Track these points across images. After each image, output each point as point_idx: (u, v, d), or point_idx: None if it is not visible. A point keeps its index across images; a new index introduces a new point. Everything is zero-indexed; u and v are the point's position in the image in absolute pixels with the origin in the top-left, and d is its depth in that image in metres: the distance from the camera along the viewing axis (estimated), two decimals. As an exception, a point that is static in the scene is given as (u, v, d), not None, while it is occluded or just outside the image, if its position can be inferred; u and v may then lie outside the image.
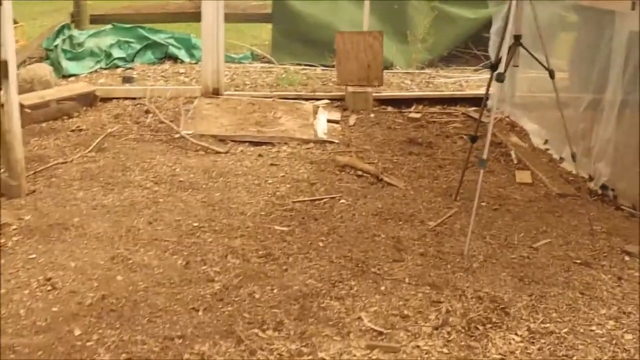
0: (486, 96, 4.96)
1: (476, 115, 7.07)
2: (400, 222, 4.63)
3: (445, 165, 5.79)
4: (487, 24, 8.57)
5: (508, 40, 4.34)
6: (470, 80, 8.56)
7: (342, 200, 4.95)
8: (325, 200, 4.95)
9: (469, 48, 9.40)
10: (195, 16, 7.85)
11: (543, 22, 6.23)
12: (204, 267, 3.97)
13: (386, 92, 7.58)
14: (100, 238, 4.27)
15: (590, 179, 5.49)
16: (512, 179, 5.58)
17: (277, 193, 5.04)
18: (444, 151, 6.13)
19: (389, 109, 7.29)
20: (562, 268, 4.14)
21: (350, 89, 7.27)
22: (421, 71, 8.80)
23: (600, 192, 5.35)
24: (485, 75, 8.62)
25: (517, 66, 4.55)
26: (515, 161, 5.97)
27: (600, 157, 5.44)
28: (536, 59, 4.48)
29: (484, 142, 4.40)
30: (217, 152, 5.79)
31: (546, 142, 6.38)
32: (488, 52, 8.12)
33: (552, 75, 4.44)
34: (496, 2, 7.65)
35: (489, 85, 4.77)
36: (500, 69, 4.41)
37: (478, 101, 7.47)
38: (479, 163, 4.33)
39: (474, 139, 4.97)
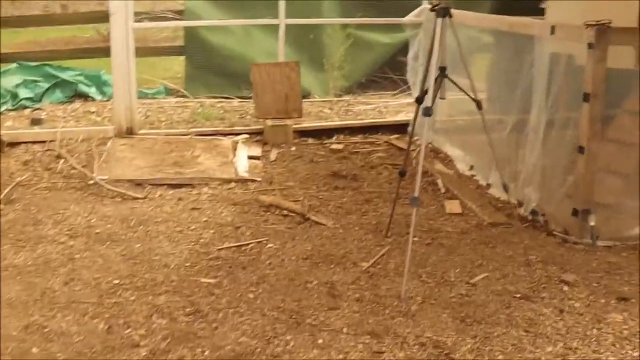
0: (412, 129, 4.82)
1: (399, 144, 7.00)
2: (332, 265, 4.44)
3: (372, 199, 5.64)
4: (403, 48, 8.53)
5: (433, 72, 4.22)
6: (389, 106, 8.49)
7: (269, 245, 4.73)
8: (251, 245, 4.72)
9: (386, 73, 9.33)
10: (104, 51, 7.53)
11: (452, 40, 6.24)
12: (127, 331, 3.68)
13: (306, 123, 7.41)
14: (13, 304, 3.93)
15: (520, 204, 5.42)
16: (442, 209, 5.48)
17: (201, 240, 4.79)
18: (370, 183, 5.99)
19: (310, 140, 7.13)
20: (502, 304, 4.01)
21: (269, 122, 7.08)
22: (339, 99, 8.69)
23: (530, 217, 5.28)
24: (404, 99, 8.59)
25: (443, 98, 4.44)
26: (443, 190, 5.88)
27: (528, 182, 5.39)
28: (463, 91, 4.39)
29: (413, 175, 4.26)
30: (135, 198, 5.50)
31: (472, 167, 6.32)
32: (405, 76, 8.08)
33: (479, 106, 4.35)
34: (411, 26, 7.58)
35: (415, 118, 4.64)
36: (427, 101, 4.29)
37: (399, 128, 7.44)
38: (412, 202, 4.18)
39: (402, 173, 4.84)
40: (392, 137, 7.27)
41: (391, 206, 5.01)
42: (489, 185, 5.91)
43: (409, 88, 8.19)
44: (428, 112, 4.14)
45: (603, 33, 4.55)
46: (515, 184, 5.46)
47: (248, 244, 4.72)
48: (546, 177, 5.29)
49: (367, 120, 7.71)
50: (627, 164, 5.25)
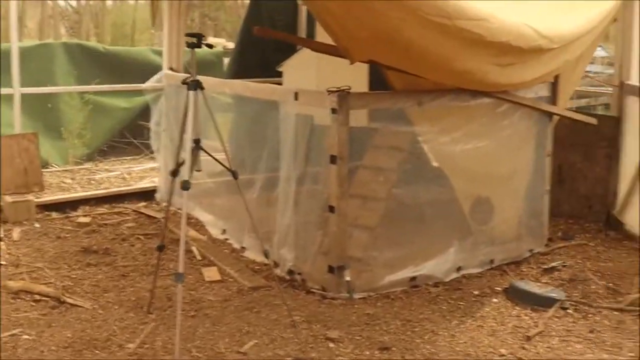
0: (169, 201, 4.74)
1: (148, 212, 6.89)
2: (97, 351, 4.22)
3: (128, 273, 5.46)
4: (143, 112, 8.46)
5: (189, 145, 4.20)
6: (132, 172, 8.34)
7: (24, 336, 4.39)
8: (4, 339, 4.35)
9: (126, 137, 9.18)
10: None
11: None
12: None
13: (49, 197, 7.06)
14: None
15: (276, 265, 5.51)
16: (201, 277, 5.43)
17: (-56, 341, 4.35)
18: (124, 257, 5.80)
19: (55, 215, 6.79)
20: (274, 371, 4.05)
21: (8, 198, 6.64)
22: (81, 167, 8.39)
23: (288, 277, 5.39)
24: (147, 164, 8.49)
25: (199, 170, 4.42)
26: (199, 257, 5.84)
27: (282, 242, 5.50)
28: (218, 161, 4.41)
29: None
30: None
31: (224, 231, 6.34)
32: (147, 141, 8.00)
33: (235, 176, 4.39)
34: (151, 89, 7.49)
35: (171, 191, 4.57)
36: (180, 173, 4.27)
37: (146, 195, 7.32)
38: (176, 278, 4.11)
39: (160, 248, 4.73)
40: (140, 205, 7.13)
41: (151, 281, 4.89)
42: (243, 249, 5.97)
43: (152, 152, 8.12)
44: (186, 185, 4.10)
45: (344, 99, 4.80)
46: (270, 244, 5.56)
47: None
48: (299, 236, 5.45)
49: (113, 189, 7.50)
50: (371, 217, 5.56)
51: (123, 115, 9.10)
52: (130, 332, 4.48)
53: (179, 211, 6.83)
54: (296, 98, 5.18)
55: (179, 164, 4.31)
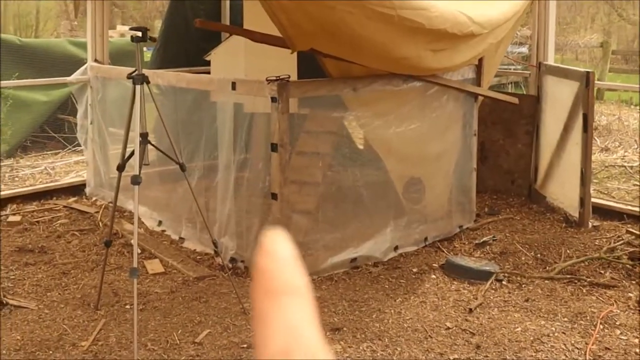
0: (115, 199, 4.71)
1: (80, 207, 6.81)
2: (50, 351, 4.19)
3: (69, 270, 5.40)
4: (62, 105, 8.31)
5: (137, 140, 4.20)
6: (57, 167, 8.19)
7: (-27, 341, 4.34)
8: (-49, 344, 4.29)
9: (47, 132, 8.98)
10: None
11: (118, 96, 6.21)
12: None
13: (-27, 197, 6.87)
14: None
15: (217, 254, 5.55)
16: (144, 270, 5.42)
17: None
18: (62, 254, 5.72)
19: (-19, 215, 6.63)
20: (233, 358, 4.11)
21: None
22: (2, 164, 8.17)
23: (230, 265, 5.44)
24: (69, 159, 8.35)
25: (147, 164, 4.42)
26: (139, 250, 5.80)
27: (223, 231, 5.55)
28: (166, 155, 4.42)
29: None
30: None
31: (160, 223, 6.32)
32: (68, 135, 7.87)
33: (183, 168, 4.41)
34: (76, 82, 7.37)
35: (118, 186, 4.55)
36: (126, 168, 4.27)
37: (75, 189, 7.21)
38: (131, 273, 4.11)
39: (108, 244, 4.71)
40: (70, 200, 7.01)
41: (94, 277, 4.88)
42: (182, 239, 5.97)
43: (75, 146, 8.01)
44: (137, 180, 4.11)
45: (284, 87, 4.86)
46: (211, 233, 5.58)
47: (-54, 345, 4.29)
48: (241, 224, 5.50)
49: (39, 186, 7.33)
50: (309, 202, 5.67)
51: (43, 109, 8.87)
52: (82, 330, 4.46)
53: (110, 204, 6.80)
54: (234, 88, 5.21)
55: (125, 159, 4.30)
